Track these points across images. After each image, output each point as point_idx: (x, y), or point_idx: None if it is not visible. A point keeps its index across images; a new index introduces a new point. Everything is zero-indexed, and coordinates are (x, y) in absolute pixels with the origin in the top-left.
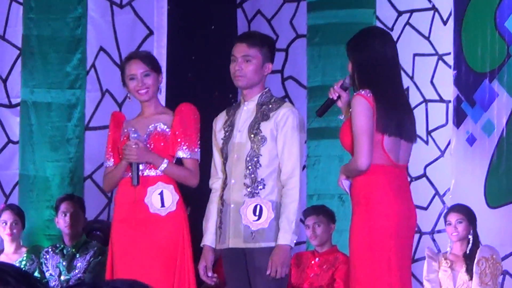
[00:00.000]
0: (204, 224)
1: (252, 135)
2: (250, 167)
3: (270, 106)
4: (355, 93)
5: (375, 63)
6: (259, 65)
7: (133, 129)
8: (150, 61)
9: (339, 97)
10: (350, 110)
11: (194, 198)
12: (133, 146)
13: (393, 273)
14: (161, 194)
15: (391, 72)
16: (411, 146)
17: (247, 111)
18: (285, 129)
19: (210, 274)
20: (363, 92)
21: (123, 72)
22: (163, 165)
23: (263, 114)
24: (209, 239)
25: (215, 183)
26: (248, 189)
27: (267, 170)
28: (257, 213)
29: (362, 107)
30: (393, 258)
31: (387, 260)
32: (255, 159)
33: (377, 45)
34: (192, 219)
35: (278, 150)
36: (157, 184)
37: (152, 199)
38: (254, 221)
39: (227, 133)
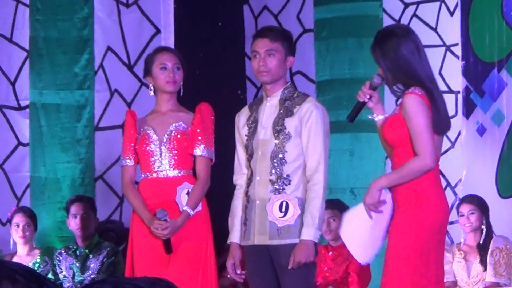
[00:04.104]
0: (230, 221)
1: (277, 132)
2: (275, 164)
3: (294, 101)
4: (407, 91)
5: (403, 64)
6: (282, 59)
7: (162, 210)
8: (180, 57)
9: (369, 98)
10: (403, 108)
11: (212, 196)
12: (164, 227)
13: (431, 268)
14: (188, 193)
15: (421, 67)
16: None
17: (270, 106)
18: (309, 124)
19: (238, 271)
20: (416, 90)
21: (152, 62)
22: (191, 212)
23: (286, 109)
24: (236, 236)
25: (239, 179)
26: (274, 186)
27: (293, 166)
28: (283, 210)
29: (421, 106)
30: (432, 253)
31: (427, 255)
32: (280, 156)
33: (395, 47)
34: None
35: (302, 145)
36: (184, 184)
37: (182, 198)
38: (280, 217)
39: (251, 129)
